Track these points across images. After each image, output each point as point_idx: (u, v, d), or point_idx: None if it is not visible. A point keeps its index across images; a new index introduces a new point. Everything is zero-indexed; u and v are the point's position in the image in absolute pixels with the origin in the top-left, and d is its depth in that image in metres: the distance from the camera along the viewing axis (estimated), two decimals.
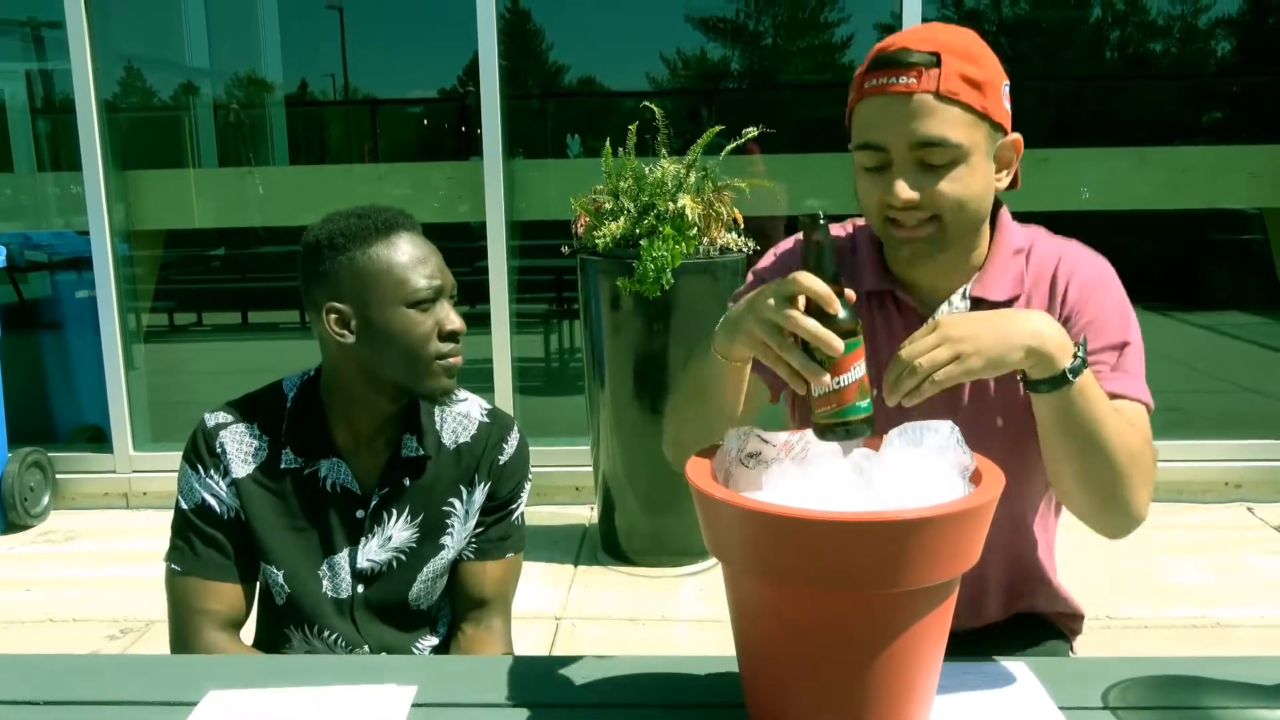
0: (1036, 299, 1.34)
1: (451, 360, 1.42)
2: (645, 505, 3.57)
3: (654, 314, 3.35)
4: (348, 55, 5.42)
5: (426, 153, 6.04)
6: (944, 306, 1.34)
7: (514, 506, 1.59)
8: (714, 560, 3.58)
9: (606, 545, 3.70)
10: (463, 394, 1.57)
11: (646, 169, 3.39)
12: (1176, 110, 5.48)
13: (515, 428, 1.59)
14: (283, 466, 1.46)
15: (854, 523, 0.92)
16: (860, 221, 1.41)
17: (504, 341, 4.23)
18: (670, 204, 3.28)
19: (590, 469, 3.79)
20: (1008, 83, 1.28)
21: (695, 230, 3.29)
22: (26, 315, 5.00)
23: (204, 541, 1.44)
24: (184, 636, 1.44)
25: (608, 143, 3.46)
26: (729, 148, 3.46)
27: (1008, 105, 1.27)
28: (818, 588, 0.94)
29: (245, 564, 1.47)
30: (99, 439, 4.58)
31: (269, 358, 5.56)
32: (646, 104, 3.48)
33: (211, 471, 1.45)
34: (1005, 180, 1.31)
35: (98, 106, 4.20)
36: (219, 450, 1.45)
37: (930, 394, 1.10)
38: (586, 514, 4.07)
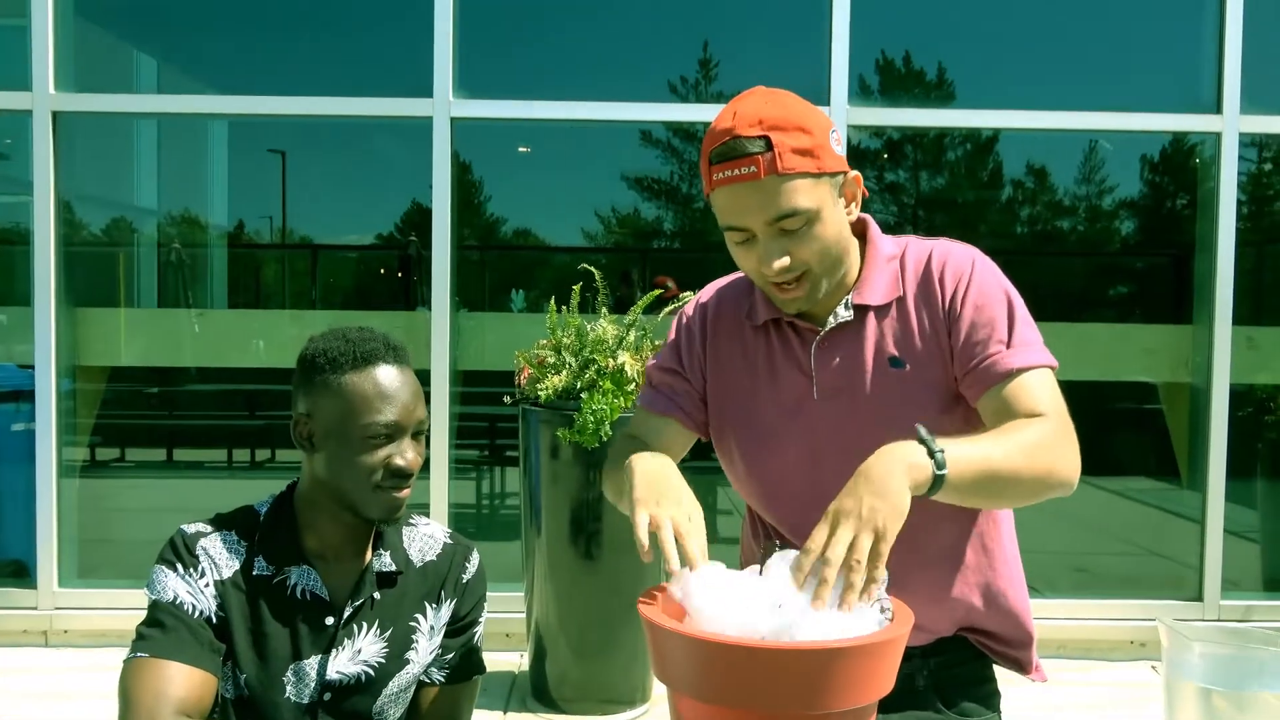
0: (920, 295, 1.48)
1: (395, 494, 1.52)
2: (577, 652, 3.63)
3: (592, 464, 3.49)
4: (288, 200, 5.62)
5: (365, 298, 6.21)
6: (830, 318, 1.49)
7: (476, 628, 1.69)
8: (643, 709, 3.65)
9: (536, 693, 3.74)
10: (425, 519, 1.70)
11: (589, 326, 3.59)
12: (1080, 286, 5.88)
13: (475, 550, 1.70)
14: (255, 573, 1.52)
15: (779, 650, 1.07)
16: None
17: (442, 487, 4.34)
18: (611, 360, 3.47)
19: (522, 615, 3.85)
20: (833, 129, 1.42)
21: (634, 385, 3.47)
22: None
23: (174, 628, 1.44)
24: None
25: (552, 301, 3.67)
26: (666, 310, 3.69)
27: (839, 149, 1.41)
28: (751, 709, 1.07)
29: (214, 659, 1.47)
30: (21, 574, 4.52)
31: (200, 496, 5.56)
32: (586, 267, 3.70)
33: (191, 571, 1.49)
34: (854, 211, 1.47)
35: (56, 244, 4.32)
36: (198, 554, 1.51)
37: (878, 588, 1.16)
38: (516, 661, 4.10)
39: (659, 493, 1.28)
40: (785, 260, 1.39)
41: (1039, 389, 1.39)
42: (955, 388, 1.47)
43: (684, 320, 1.64)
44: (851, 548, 1.13)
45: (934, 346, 1.46)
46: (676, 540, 1.21)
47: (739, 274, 1.59)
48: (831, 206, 1.41)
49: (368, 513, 1.52)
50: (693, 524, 1.24)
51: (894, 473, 1.18)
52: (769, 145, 1.34)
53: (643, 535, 1.22)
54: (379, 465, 1.49)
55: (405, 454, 1.51)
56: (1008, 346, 1.41)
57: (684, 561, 1.20)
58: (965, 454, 1.25)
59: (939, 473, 1.21)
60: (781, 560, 1.19)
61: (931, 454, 1.22)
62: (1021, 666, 1.61)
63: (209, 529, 1.55)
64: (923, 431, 1.24)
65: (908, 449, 1.22)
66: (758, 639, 1.11)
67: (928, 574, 1.50)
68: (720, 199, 1.41)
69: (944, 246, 1.51)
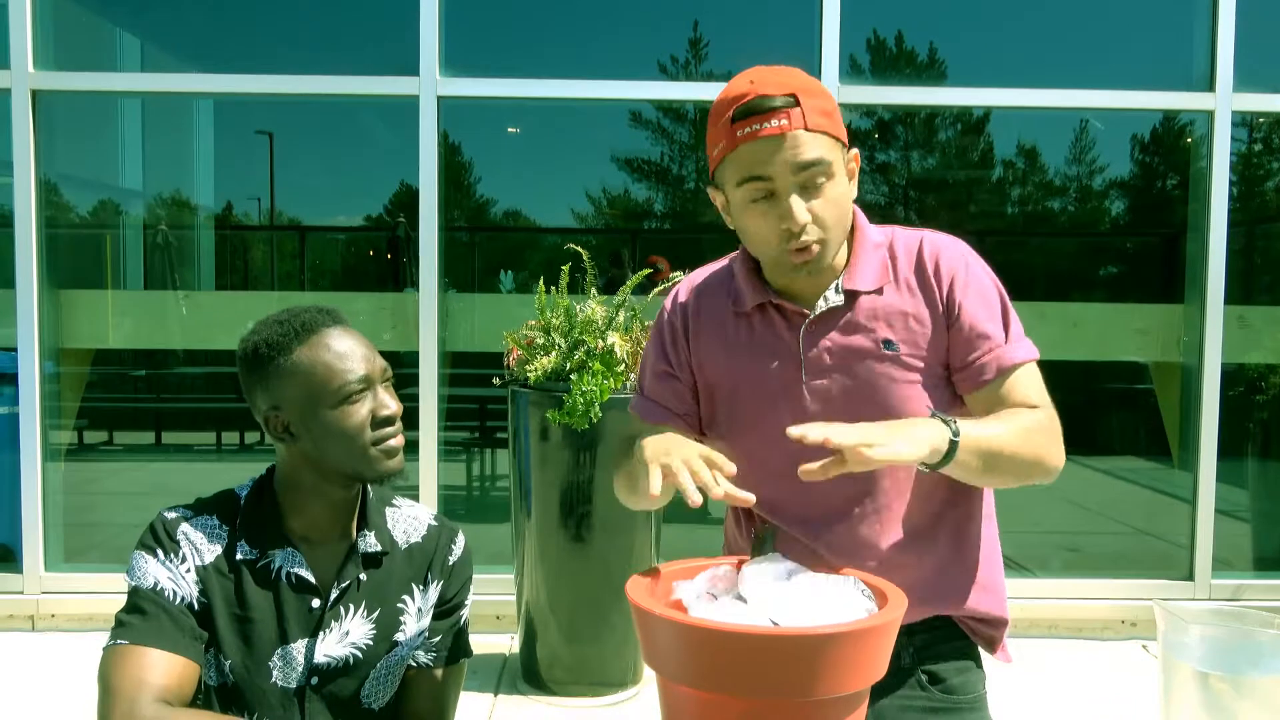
0: (911, 284, 1.52)
1: (391, 443, 1.50)
2: (568, 635, 3.62)
3: (582, 445, 3.47)
4: (276, 181, 5.58)
5: (353, 279, 6.17)
6: (820, 302, 1.50)
7: (463, 611, 1.67)
8: (634, 690, 3.64)
9: (527, 675, 3.72)
10: (409, 501, 1.67)
11: (578, 307, 3.55)
12: (1071, 266, 5.87)
13: (460, 532, 1.68)
14: (238, 558, 1.50)
15: (771, 636, 1.05)
16: (732, 254, 1.62)
17: (431, 469, 4.30)
18: (600, 341, 3.44)
19: (512, 598, 3.83)
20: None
21: (623, 367, 3.44)
22: None
23: (154, 615, 1.42)
24: (121, 711, 1.34)
25: (541, 281, 3.63)
26: (656, 290, 3.66)
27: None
28: (743, 696, 1.05)
29: (195, 647, 1.44)
30: (7, 559, 4.49)
31: (188, 479, 5.53)
32: (573, 247, 3.67)
33: (171, 556, 1.47)
34: (853, 189, 1.50)
35: (37, 225, 4.27)
36: (179, 539, 1.48)
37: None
38: (507, 643, 4.08)
39: (668, 446, 1.32)
40: (808, 216, 1.41)
41: (1031, 383, 1.50)
42: (942, 372, 1.51)
43: (665, 318, 1.65)
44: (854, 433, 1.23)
45: (925, 334, 1.50)
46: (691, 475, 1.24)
47: (712, 268, 1.64)
48: (843, 173, 1.45)
49: (371, 472, 1.49)
50: (708, 459, 1.27)
51: (915, 424, 1.32)
52: (797, 102, 1.38)
53: (655, 484, 1.24)
54: (364, 422, 1.48)
55: (386, 403, 1.50)
56: (1005, 342, 1.49)
57: (703, 490, 1.23)
58: (975, 430, 1.36)
59: (954, 439, 1.31)
60: (758, 569, 1.20)
61: (947, 424, 1.32)
62: (991, 645, 1.63)
63: (189, 514, 1.53)
64: (936, 410, 1.37)
65: (929, 420, 1.33)
66: (750, 624, 1.09)
67: (907, 558, 1.51)
68: (743, 155, 1.40)
69: (933, 238, 1.55)
